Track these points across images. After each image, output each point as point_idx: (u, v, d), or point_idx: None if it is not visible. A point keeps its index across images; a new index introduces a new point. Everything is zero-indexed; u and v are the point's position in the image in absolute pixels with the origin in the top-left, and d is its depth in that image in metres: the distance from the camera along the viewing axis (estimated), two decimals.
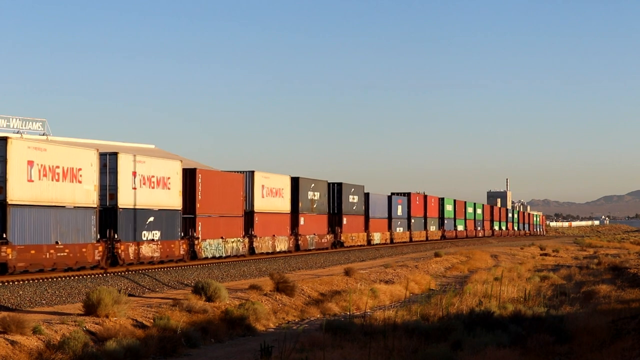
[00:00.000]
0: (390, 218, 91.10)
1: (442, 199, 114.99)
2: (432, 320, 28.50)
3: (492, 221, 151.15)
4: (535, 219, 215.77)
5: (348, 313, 33.41)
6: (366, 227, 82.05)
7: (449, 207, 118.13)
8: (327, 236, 70.71)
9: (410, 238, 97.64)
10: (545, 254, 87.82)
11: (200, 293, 32.18)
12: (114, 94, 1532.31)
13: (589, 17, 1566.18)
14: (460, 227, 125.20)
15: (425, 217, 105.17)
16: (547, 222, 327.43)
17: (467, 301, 33.72)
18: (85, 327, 24.80)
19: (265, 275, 44.34)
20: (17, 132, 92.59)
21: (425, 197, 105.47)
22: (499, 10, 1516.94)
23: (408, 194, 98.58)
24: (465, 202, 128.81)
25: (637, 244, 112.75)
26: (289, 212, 63.14)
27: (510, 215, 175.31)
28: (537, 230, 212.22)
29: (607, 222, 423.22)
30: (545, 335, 24.27)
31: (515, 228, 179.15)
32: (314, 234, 67.35)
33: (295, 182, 64.55)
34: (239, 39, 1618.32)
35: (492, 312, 27.95)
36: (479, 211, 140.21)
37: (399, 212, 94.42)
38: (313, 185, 68.05)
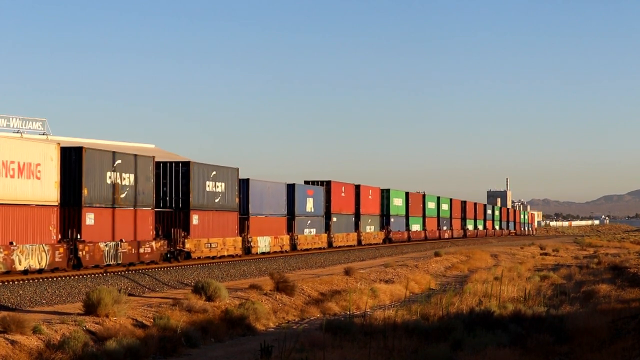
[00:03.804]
0: (292, 216, 65.34)
1: (387, 190, 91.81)
2: (432, 320, 28.49)
3: (464, 219, 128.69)
4: (522, 216, 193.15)
5: (348, 313, 33.38)
6: (242, 229, 56.41)
7: (397, 202, 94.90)
8: (153, 244, 44.93)
9: (330, 242, 73.02)
10: (545, 254, 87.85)
11: (200, 293, 32.20)
12: (114, 94, 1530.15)
13: (589, 17, 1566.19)
14: (415, 227, 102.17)
15: (357, 215, 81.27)
16: (547, 222, 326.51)
17: (467, 301, 33.74)
18: (85, 326, 24.81)
19: (265, 275, 44.35)
20: (17, 132, 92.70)
21: (357, 187, 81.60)
22: (499, 10, 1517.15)
23: (327, 183, 74.39)
24: (423, 196, 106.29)
25: (637, 244, 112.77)
26: (56, 203, 37.76)
27: (489, 212, 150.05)
28: (524, 229, 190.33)
29: (607, 221, 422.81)
30: (545, 335, 24.30)
31: (497, 227, 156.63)
32: (120, 241, 41.80)
33: (74, 155, 39.67)
34: (239, 39, 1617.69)
35: (492, 311, 27.97)
36: (444, 207, 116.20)
37: (310, 208, 69.37)
38: (119, 162, 42.43)
